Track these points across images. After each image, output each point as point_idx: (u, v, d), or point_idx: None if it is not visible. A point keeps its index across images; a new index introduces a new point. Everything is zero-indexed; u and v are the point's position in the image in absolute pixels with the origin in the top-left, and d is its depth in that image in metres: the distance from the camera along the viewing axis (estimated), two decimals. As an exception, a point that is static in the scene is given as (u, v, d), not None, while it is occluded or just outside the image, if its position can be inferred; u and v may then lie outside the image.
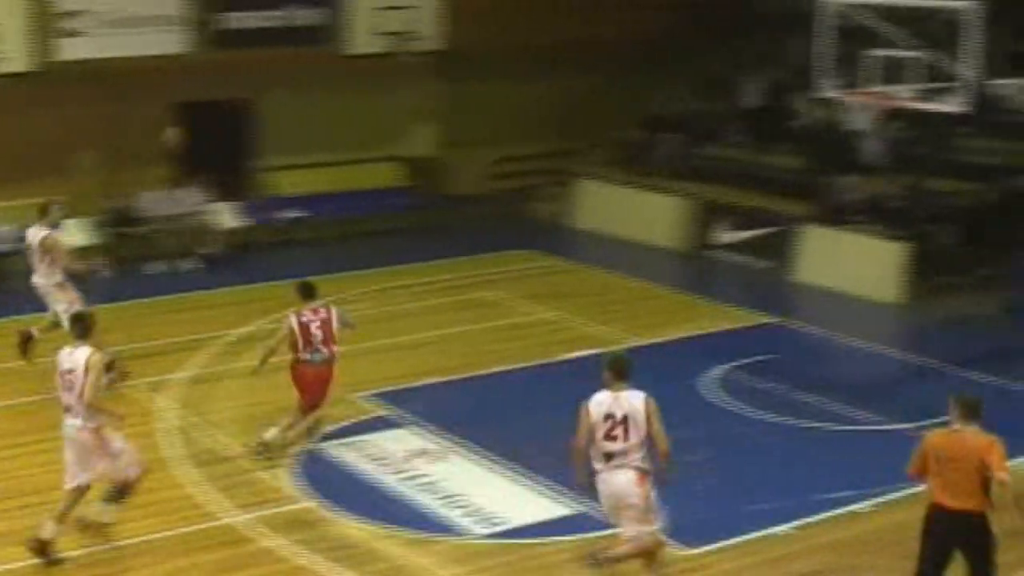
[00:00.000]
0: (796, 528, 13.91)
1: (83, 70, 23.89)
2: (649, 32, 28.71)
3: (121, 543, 13.27)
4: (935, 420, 13.07)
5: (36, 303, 18.34)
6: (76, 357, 12.79)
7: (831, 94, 22.05)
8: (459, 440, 16.15)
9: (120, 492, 13.13)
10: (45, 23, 23.69)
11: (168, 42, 24.68)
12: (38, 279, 18.15)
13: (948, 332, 21.18)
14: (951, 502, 10.96)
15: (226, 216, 25.52)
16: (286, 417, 15.61)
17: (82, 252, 20.28)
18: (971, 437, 10.93)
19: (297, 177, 27.13)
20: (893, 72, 20.94)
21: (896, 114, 23.80)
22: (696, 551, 13.08)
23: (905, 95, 21.17)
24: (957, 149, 24.11)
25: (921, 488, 13.39)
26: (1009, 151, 24.53)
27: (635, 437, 11.60)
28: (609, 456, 11.65)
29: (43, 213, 18.22)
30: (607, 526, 12.83)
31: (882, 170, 24.62)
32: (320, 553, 13.26)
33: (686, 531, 13.14)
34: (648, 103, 29.23)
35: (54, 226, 18.27)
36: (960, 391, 11.43)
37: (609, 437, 11.61)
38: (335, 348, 15.58)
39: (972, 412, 11.03)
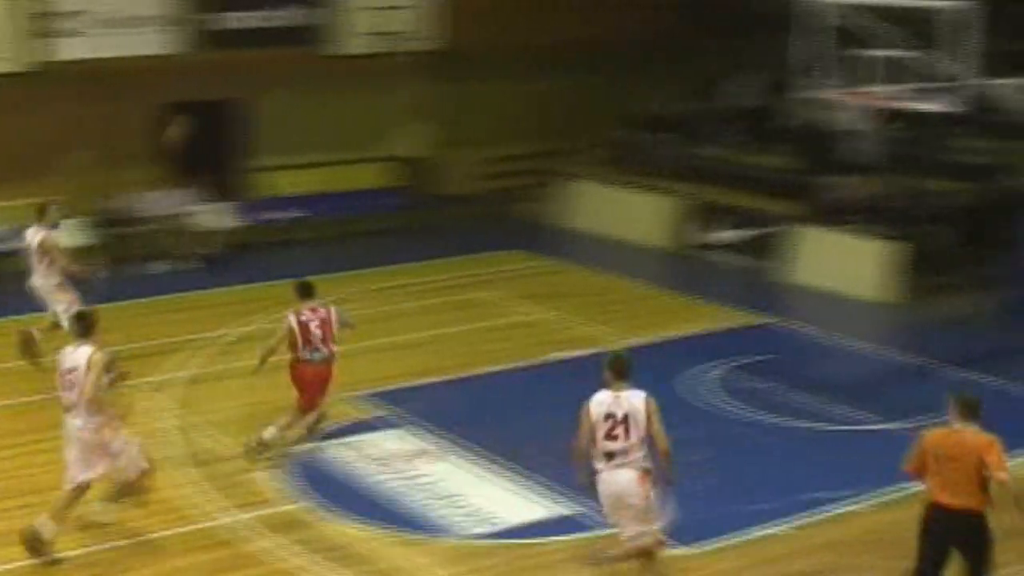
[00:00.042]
0: (794, 528, 13.93)
1: (77, 70, 23.86)
2: (643, 32, 28.72)
3: (119, 543, 13.26)
4: (933, 420, 13.07)
5: (32, 303, 18.36)
6: (78, 356, 12.78)
7: (826, 94, 22.06)
8: (455, 440, 16.14)
9: (121, 492, 13.14)
10: (39, 23, 23.63)
11: (162, 42, 24.65)
12: (37, 280, 18.13)
13: (944, 332, 21.20)
14: (949, 501, 10.98)
15: (220, 216, 25.49)
16: (284, 416, 15.60)
17: (77, 252, 20.20)
18: (970, 436, 10.95)
19: (290, 177, 27.08)
20: (888, 72, 20.96)
21: (891, 114, 23.83)
22: (694, 551, 13.08)
23: (900, 95, 21.20)
24: (952, 149, 24.16)
25: (917, 488, 13.47)
26: (1004, 151, 24.57)
27: (636, 436, 11.61)
28: (610, 455, 11.65)
29: (41, 214, 18.20)
30: (603, 526, 12.86)
31: (877, 170, 24.65)
32: (317, 553, 13.25)
33: (684, 531, 13.09)
34: (642, 103, 29.23)
35: (52, 227, 18.25)
36: (960, 390, 11.46)
37: (610, 437, 11.61)
38: (334, 347, 15.58)
39: (971, 411, 11.05)
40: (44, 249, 17.96)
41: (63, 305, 17.78)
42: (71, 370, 12.76)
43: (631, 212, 27.22)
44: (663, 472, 11.79)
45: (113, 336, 13.79)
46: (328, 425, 16.21)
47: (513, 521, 14.06)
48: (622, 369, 11.82)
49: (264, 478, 15.03)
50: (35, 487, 14.46)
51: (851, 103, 22.98)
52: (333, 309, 15.78)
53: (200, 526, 13.81)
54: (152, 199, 25.12)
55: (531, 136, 29.43)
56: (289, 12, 26.09)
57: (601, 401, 11.69)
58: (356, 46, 26.80)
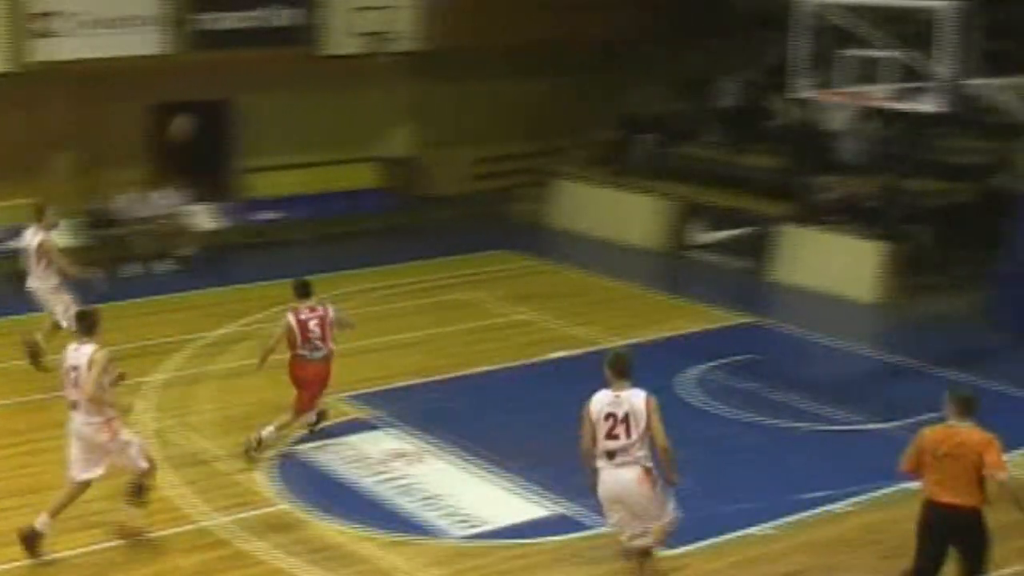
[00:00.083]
0: (775, 528, 13.93)
1: (61, 71, 23.79)
2: (627, 32, 28.71)
3: (100, 546, 13.24)
4: (918, 420, 13.09)
5: (29, 303, 18.43)
6: (80, 354, 12.88)
7: (808, 94, 22.06)
8: (438, 442, 16.14)
9: (138, 492, 13.25)
10: (22, 24, 23.57)
11: (146, 43, 24.53)
12: (34, 282, 18.12)
13: (926, 332, 21.23)
14: (947, 498, 10.99)
15: (204, 218, 25.44)
16: (283, 415, 15.63)
17: (67, 253, 20.19)
18: (968, 433, 10.96)
19: (276, 178, 27.06)
20: (870, 72, 20.95)
21: (873, 114, 23.84)
22: (675, 551, 13.03)
23: (882, 95, 21.18)
24: (935, 149, 24.16)
25: (900, 488, 13.52)
26: (986, 151, 24.61)
27: (636, 435, 11.56)
28: (611, 455, 11.60)
29: (39, 216, 18.18)
30: (597, 526, 12.87)
31: (860, 170, 24.67)
32: (299, 556, 13.24)
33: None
34: (626, 103, 29.25)
35: (50, 229, 18.23)
36: (956, 387, 11.52)
37: (611, 436, 11.57)
38: (332, 346, 15.62)
39: (968, 408, 11.08)
40: (43, 251, 17.96)
41: (61, 306, 17.85)
42: (74, 367, 12.85)
43: (619, 212, 27.24)
44: (664, 471, 11.77)
45: (111, 336, 13.79)
46: (327, 424, 16.27)
47: (493, 523, 14.06)
48: (623, 368, 11.74)
49: (261, 478, 15.05)
50: (35, 487, 14.46)
51: (838, 103, 22.97)
52: (331, 308, 15.82)
53: (179, 530, 13.79)
54: (140, 200, 25.07)
55: (519, 136, 29.44)
56: (276, 12, 26.02)
57: (601, 400, 11.64)
58: (344, 46, 26.74)
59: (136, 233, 24.72)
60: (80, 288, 18.15)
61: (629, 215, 27.04)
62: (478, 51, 27.43)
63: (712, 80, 28.72)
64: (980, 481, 10.86)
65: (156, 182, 25.41)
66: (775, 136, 26.92)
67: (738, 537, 13.69)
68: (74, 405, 12.92)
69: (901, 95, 20.99)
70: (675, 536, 12.27)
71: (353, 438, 16.30)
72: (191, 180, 25.19)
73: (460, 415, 17.22)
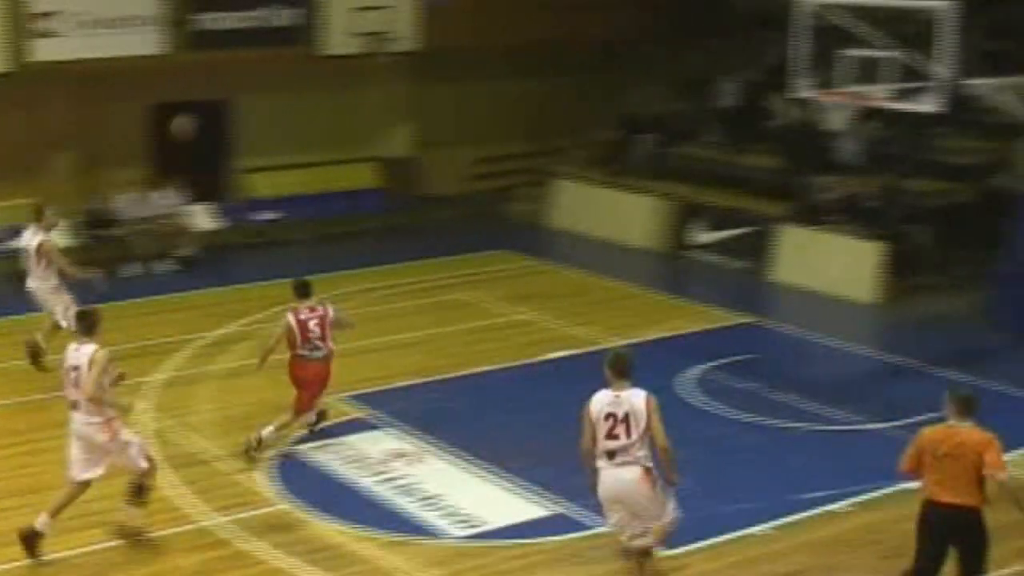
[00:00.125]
0: (774, 528, 13.92)
1: (61, 71, 23.79)
2: (627, 32, 28.73)
3: (100, 546, 13.24)
4: (916, 420, 13.10)
5: (29, 304, 18.43)
6: (80, 354, 12.89)
7: (808, 94, 22.06)
8: (437, 442, 16.13)
9: (139, 491, 13.25)
10: (22, 24, 23.57)
11: (145, 43, 24.53)
12: (34, 282, 18.12)
13: (925, 332, 21.23)
14: (946, 497, 10.99)
15: (204, 218, 25.45)
16: (282, 415, 15.63)
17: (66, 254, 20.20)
18: (968, 433, 10.97)
19: (274, 178, 27.07)
20: (870, 72, 20.96)
21: (872, 114, 23.84)
22: (675, 551, 13.02)
23: (880, 95, 21.19)
24: (933, 149, 24.17)
25: (898, 488, 13.53)
26: (985, 150, 24.61)
27: (636, 435, 11.55)
28: (611, 454, 11.59)
29: (38, 217, 18.17)
30: (596, 526, 12.86)
31: (858, 170, 24.67)
32: (298, 556, 13.23)
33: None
34: (626, 103, 29.25)
35: (50, 229, 18.24)
36: (956, 387, 11.52)
37: (611, 436, 11.55)
38: (332, 345, 15.64)
39: (968, 408, 11.08)
40: (42, 251, 17.96)
41: (61, 306, 17.87)
42: (74, 368, 12.87)
43: (617, 212, 27.23)
44: (664, 471, 11.77)
45: (111, 336, 13.81)
46: (327, 424, 16.27)
47: (492, 523, 14.05)
48: (623, 368, 11.72)
49: (261, 478, 15.05)
50: (35, 487, 14.46)
51: (838, 103, 22.96)
52: (331, 308, 15.83)
53: (178, 530, 13.77)
54: (140, 200, 25.07)
55: (519, 136, 29.45)
56: (276, 12, 26.02)
57: (601, 400, 11.63)
58: (343, 46, 26.73)
59: (136, 233, 24.71)
60: (80, 288, 18.16)
61: (629, 215, 27.04)
62: (478, 51, 27.44)
63: (712, 80, 28.72)
64: (980, 481, 10.86)
65: (156, 182, 25.42)
66: (775, 136, 26.91)
67: (738, 537, 13.69)
68: (74, 405, 12.95)
69: (900, 95, 20.99)
70: (675, 536, 12.27)
71: (353, 438, 16.30)
72: (191, 180, 25.19)
73: (460, 415, 17.22)
